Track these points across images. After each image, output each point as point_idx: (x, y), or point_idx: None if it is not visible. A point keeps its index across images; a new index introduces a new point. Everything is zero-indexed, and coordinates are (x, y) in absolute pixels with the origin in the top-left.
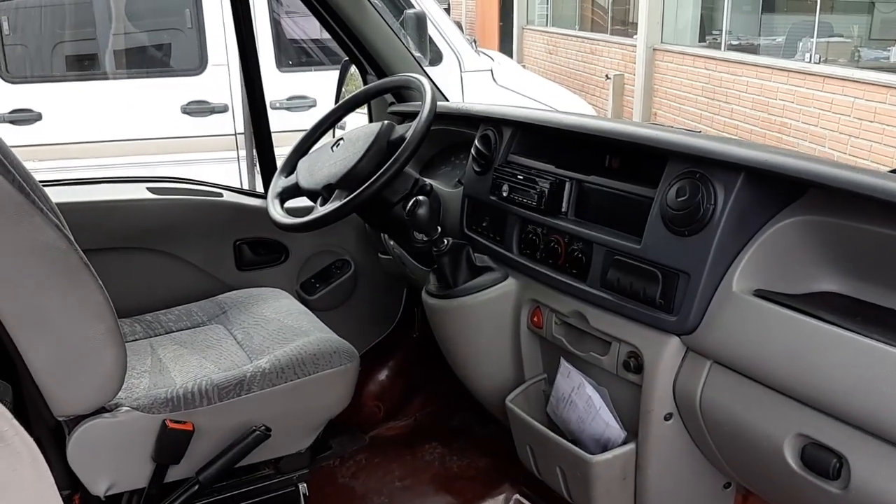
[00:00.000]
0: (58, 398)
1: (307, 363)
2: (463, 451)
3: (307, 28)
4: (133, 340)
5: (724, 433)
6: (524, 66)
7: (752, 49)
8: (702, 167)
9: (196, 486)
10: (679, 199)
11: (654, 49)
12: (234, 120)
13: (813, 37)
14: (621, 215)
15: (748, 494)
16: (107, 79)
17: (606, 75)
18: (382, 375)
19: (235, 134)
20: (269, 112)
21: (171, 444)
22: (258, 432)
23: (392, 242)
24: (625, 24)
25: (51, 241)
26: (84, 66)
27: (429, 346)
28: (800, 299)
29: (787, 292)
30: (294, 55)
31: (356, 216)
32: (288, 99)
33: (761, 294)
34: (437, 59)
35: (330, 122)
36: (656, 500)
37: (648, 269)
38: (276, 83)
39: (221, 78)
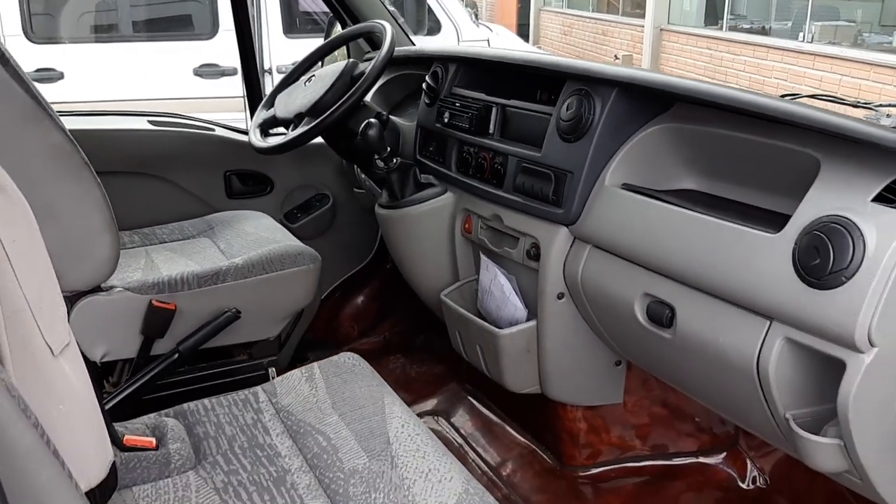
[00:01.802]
0: (61, 277)
1: (275, 262)
2: (422, 362)
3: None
4: (131, 248)
5: (599, 304)
6: (539, 48)
7: (762, 31)
8: (587, 85)
9: (176, 356)
10: (568, 112)
11: (660, 29)
12: (243, 83)
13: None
14: (531, 131)
15: (632, 369)
16: (126, 41)
17: (615, 56)
18: (358, 300)
19: (244, 95)
20: (276, 74)
21: (156, 321)
22: (230, 313)
23: (363, 176)
24: (639, 7)
25: (58, 142)
26: (104, 28)
27: (400, 275)
28: (661, 193)
29: (653, 188)
30: (302, 23)
31: (333, 153)
32: (293, 64)
33: (627, 187)
34: (435, 28)
35: (307, 64)
36: (556, 372)
37: (545, 172)
38: (284, 48)
39: (231, 43)
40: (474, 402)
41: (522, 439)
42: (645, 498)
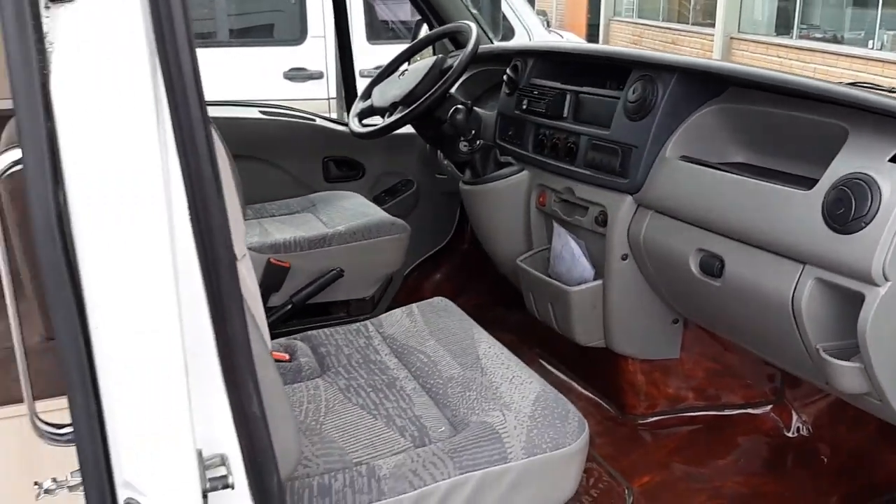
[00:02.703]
0: None
1: (372, 230)
2: (493, 330)
3: (396, 10)
4: (246, 220)
5: (658, 261)
6: None
7: (835, 40)
8: (651, 71)
9: (289, 307)
10: (634, 95)
11: (730, 38)
12: (328, 85)
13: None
14: (600, 113)
15: (689, 327)
16: (222, 46)
17: None
18: (437, 277)
19: (328, 98)
20: (359, 78)
21: (273, 277)
22: (335, 272)
23: (446, 162)
24: (709, 16)
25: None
26: (204, 35)
27: (476, 255)
28: (714, 164)
29: (707, 160)
30: (382, 32)
31: (419, 140)
32: (375, 68)
33: (685, 159)
34: (508, 34)
35: (400, 60)
36: (619, 327)
37: (613, 148)
38: (366, 54)
39: (318, 48)
40: (543, 362)
41: (587, 392)
42: (698, 443)
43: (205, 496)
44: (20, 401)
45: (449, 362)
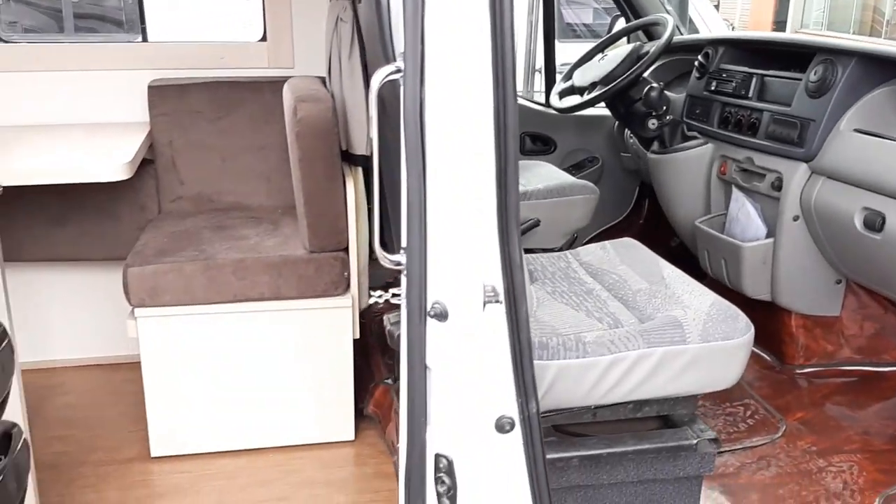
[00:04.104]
0: None
1: (566, 188)
2: None
3: (579, 14)
4: None
5: (826, 220)
6: None
7: None
8: (833, 55)
9: None
10: (815, 76)
11: None
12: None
13: None
14: (782, 93)
15: (851, 288)
16: None
17: None
18: None
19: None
20: (540, 74)
21: None
22: (533, 220)
23: (632, 140)
24: None
25: None
26: None
27: (651, 229)
28: (884, 135)
29: (878, 133)
30: (566, 31)
31: (607, 120)
32: (562, 64)
33: (858, 131)
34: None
35: (601, 47)
36: (786, 283)
37: (793, 122)
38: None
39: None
40: None
41: None
42: (851, 392)
43: (483, 306)
44: (290, 297)
45: (637, 280)
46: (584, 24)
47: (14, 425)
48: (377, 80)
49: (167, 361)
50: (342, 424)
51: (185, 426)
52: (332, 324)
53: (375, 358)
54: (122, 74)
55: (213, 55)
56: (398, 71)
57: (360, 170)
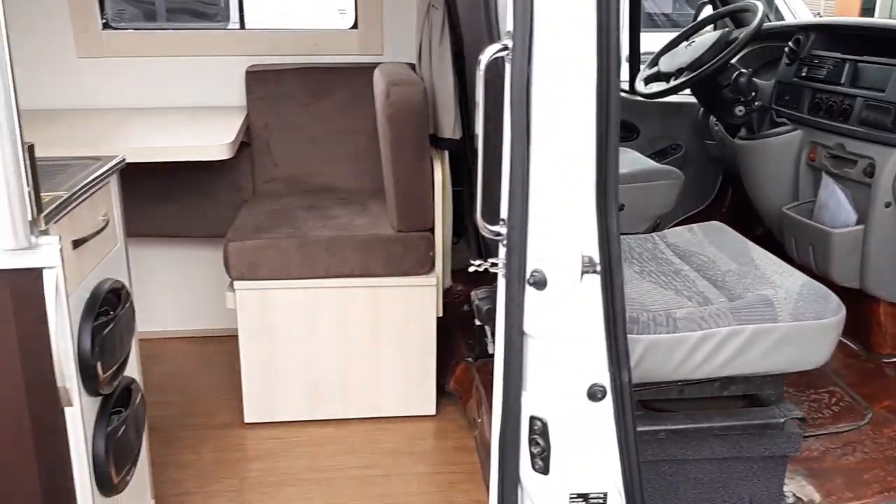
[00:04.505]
0: None
1: (652, 174)
2: None
3: (660, 3)
4: None
5: None
6: None
7: None
8: None
9: None
10: None
11: None
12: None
13: None
14: (875, 79)
15: None
16: None
17: None
18: None
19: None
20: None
21: None
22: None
23: (717, 127)
24: None
25: None
26: None
27: (735, 219)
28: None
29: None
30: (647, 21)
31: (691, 108)
32: (643, 54)
33: None
34: None
35: (688, 33)
36: (877, 270)
37: (887, 107)
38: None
39: None
40: None
41: None
42: None
43: (581, 276)
44: (378, 274)
45: (726, 261)
46: (664, 14)
47: (133, 381)
48: (485, 57)
49: (262, 332)
50: (424, 399)
51: (276, 395)
52: (417, 302)
53: (456, 337)
54: (222, 60)
55: (307, 42)
56: (504, 49)
57: (446, 153)
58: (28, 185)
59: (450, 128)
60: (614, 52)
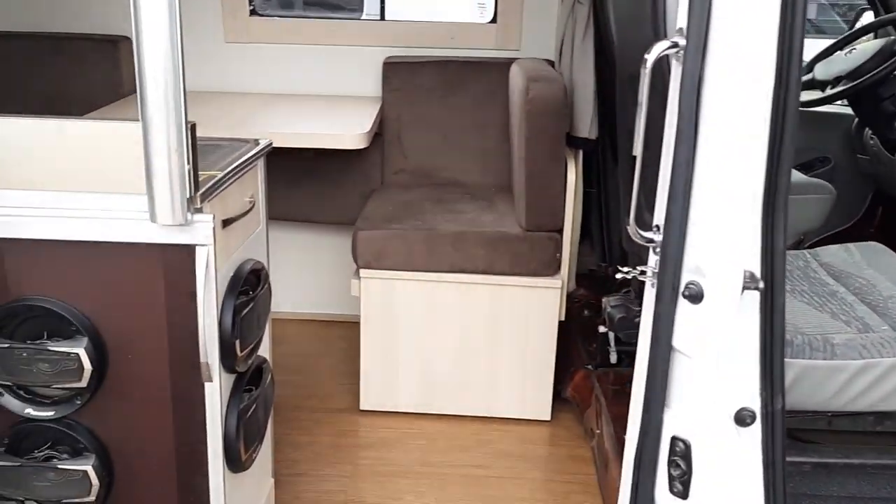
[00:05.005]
0: None
1: (799, 187)
2: None
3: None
4: None
5: None
6: None
7: None
8: None
9: None
10: None
11: None
12: None
13: None
14: None
15: None
16: None
17: None
18: None
19: None
20: None
21: None
22: None
23: (872, 140)
24: None
25: None
26: None
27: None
28: None
29: None
30: None
31: (842, 119)
32: None
33: None
34: None
35: (844, 41)
36: None
37: None
38: None
39: None
40: None
41: None
42: None
43: (741, 292)
44: (503, 273)
45: (888, 286)
46: (809, 20)
47: (265, 360)
48: (653, 55)
49: (384, 321)
50: (540, 404)
51: (393, 385)
52: (540, 304)
53: (576, 342)
54: (360, 50)
55: (444, 35)
56: (674, 46)
57: (580, 153)
58: (188, 162)
59: (586, 127)
60: (797, 55)
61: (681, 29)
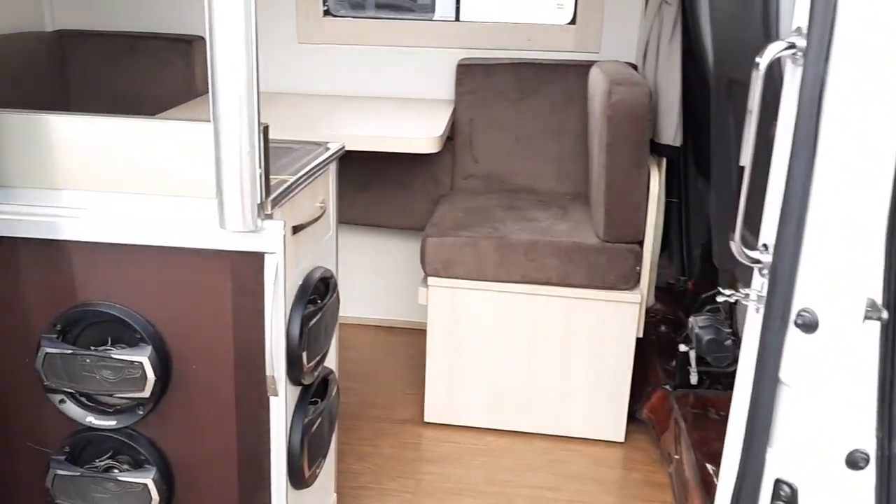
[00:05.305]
0: None
1: None
2: None
3: None
4: None
5: None
6: None
7: None
8: None
9: None
10: None
11: None
12: None
13: None
14: None
15: None
16: None
17: None
18: None
19: None
20: None
21: None
22: None
23: None
24: None
25: None
26: None
27: None
28: None
29: None
30: None
31: None
32: None
33: None
34: None
35: None
36: None
37: None
38: None
39: None
40: None
41: None
42: None
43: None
44: (578, 285)
45: None
46: None
47: (331, 371)
48: (766, 57)
49: (451, 331)
50: (613, 424)
51: (459, 397)
52: (617, 319)
53: (653, 361)
54: (433, 52)
55: (521, 36)
56: (791, 47)
57: (664, 161)
58: (259, 166)
59: (671, 134)
60: None
61: (798, 28)
